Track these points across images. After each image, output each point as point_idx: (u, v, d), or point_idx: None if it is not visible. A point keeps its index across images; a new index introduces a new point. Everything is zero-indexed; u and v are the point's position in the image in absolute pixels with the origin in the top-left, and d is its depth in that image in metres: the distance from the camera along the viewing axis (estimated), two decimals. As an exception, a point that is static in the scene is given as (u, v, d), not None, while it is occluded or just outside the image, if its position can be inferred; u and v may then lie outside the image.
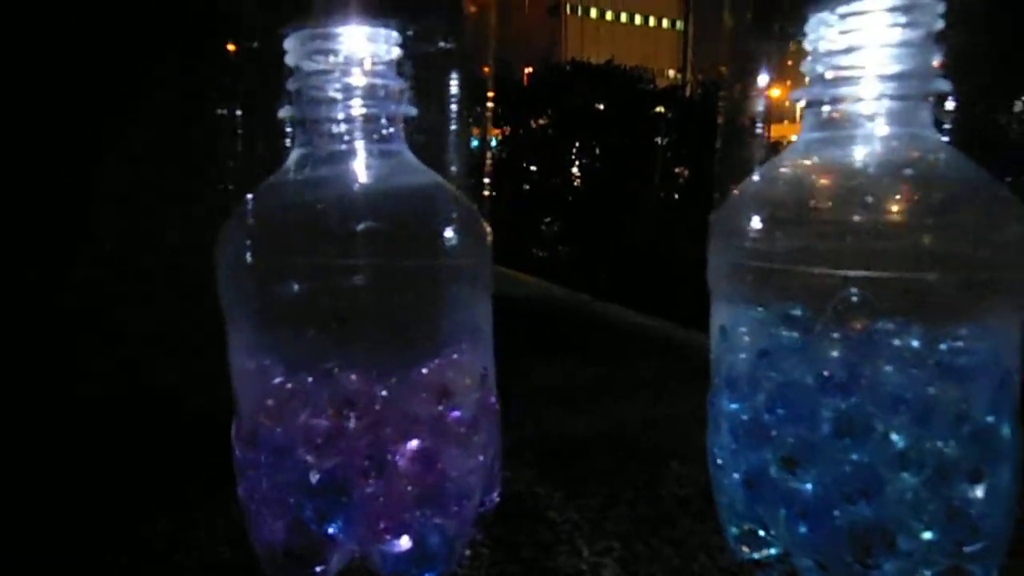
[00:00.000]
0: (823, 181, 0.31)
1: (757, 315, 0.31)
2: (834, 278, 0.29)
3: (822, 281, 0.29)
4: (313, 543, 0.32)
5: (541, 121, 5.07)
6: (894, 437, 0.28)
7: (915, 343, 0.28)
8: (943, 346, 0.28)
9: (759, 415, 0.31)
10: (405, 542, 0.32)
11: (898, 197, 0.30)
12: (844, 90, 0.31)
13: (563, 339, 0.81)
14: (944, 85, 0.31)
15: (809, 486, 0.30)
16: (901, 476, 0.28)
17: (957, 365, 0.28)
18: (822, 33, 0.31)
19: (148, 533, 0.37)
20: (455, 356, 0.33)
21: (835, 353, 0.29)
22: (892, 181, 0.30)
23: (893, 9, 0.30)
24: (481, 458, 0.34)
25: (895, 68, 0.30)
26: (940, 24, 0.31)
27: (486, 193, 0.36)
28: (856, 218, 0.30)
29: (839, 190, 0.31)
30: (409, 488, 0.31)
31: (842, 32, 0.31)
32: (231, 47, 0.32)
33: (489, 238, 0.36)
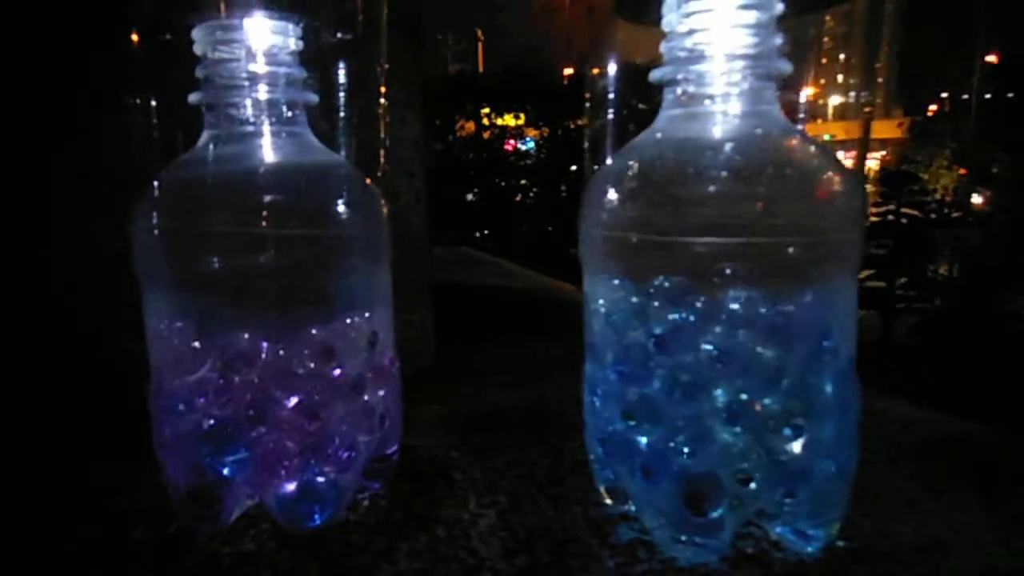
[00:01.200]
0: (670, 156, 0.33)
1: (608, 282, 0.33)
2: (672, 245, 0.31)
3: (661, 248, 0.32)
4: (211, 485, 0.35)
5: (580, 122, 5.07)
6: (718, 393, 0.30)
7: (741, 307, 0.30)
8: (763, 309, 0.30)
9: (607, 375, 0.33)
10: (291, 487, 0.35)
11: (738, 171, 0.32)
12: (693, 70, 0.33)
13: (533, 324, 0.83)
14: (786, 67, 0.33)
15: (645, 440, 0.32)
16: (725, 429, 0.30)
17: (777, 327, 0.30)
18: (674, 17, 0.33)
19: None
20: (346, 320, 0.37)
21: (670, 316, 0.31)
22: (733, 156, 0.32)
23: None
24: (367, 413, 0.37)
25: (740, 49, 0.32)
26: (780, 8, 0.33)
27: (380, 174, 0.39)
28: (696, 190, 0.32)
29: (684, 164, 0.33)
30: (293, 437, 0.35)
31: (690, 15, 0.33)
32: (135, 37, 0.36)
33: (384, 213, 0.39)
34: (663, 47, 0.34)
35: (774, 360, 0.30)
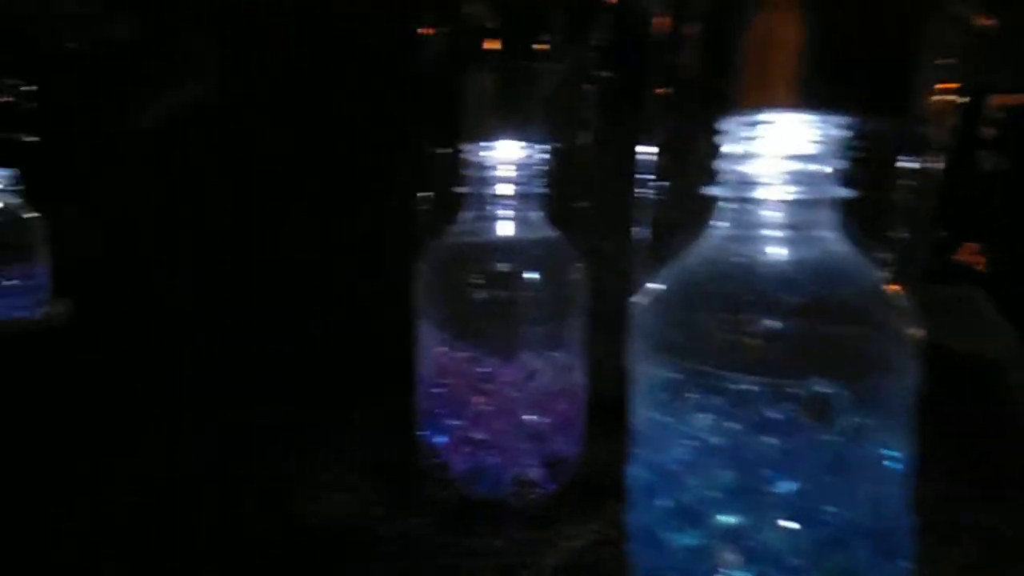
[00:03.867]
0: (720, 282, 0.34)
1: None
2: (718, 377, 0.33)
3: (707, 377, 0.33)
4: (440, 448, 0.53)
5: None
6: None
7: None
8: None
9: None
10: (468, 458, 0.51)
11: (790, 298, 0.32)
12: (747, 192, 0.34)
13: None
14: (843, 192, 0.32)
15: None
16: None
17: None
18: (732, 137, 0.34)
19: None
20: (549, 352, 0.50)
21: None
22: (784, 281, 0.33)
23: (795, 121, 0.32)
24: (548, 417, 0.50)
25: (794, 174, 0.33)
26: (840, 134, 0.31)
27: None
28: (746, 320, 0.32)
29: (733, 291, 0.33)
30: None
31: (747, 139, 0.34)
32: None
33: (577, 275, 0.51)
34: (718, 165, 0.35)
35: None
